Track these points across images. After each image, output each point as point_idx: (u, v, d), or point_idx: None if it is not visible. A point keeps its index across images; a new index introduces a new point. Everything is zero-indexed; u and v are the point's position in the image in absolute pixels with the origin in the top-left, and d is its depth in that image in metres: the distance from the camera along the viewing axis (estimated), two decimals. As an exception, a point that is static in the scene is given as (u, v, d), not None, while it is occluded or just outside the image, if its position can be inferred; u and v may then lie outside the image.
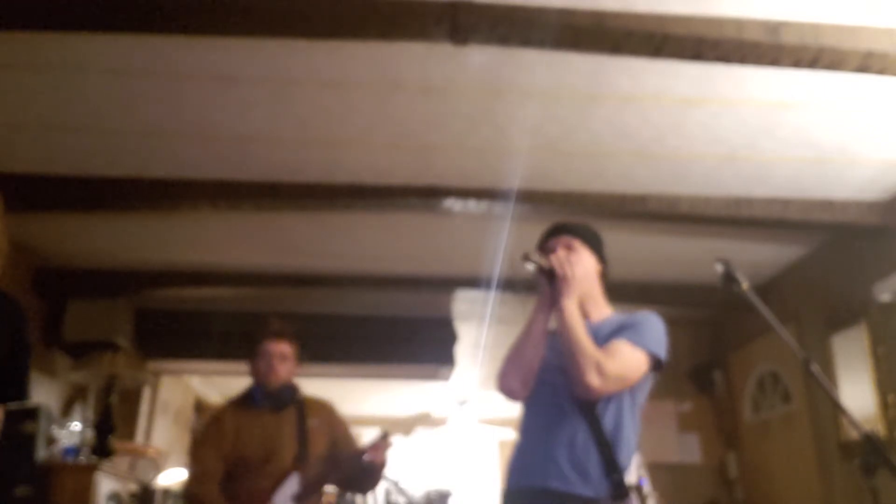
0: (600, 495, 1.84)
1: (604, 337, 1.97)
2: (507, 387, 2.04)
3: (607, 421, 1.91)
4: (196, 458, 2.82)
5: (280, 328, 2.95)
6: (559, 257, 2.03)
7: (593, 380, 1.84)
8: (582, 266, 2.05)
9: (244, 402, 2.92)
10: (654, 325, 2.01)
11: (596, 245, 2.15)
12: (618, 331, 1.98)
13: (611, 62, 2.71)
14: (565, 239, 2.12)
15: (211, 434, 2.85)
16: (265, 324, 2.99)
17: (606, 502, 1.83)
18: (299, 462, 2.76)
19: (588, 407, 1.91)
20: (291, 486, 2.71)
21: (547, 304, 2.03)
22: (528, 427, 2.05)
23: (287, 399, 2.88)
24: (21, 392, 2.04)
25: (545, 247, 2.13)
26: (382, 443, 2.78)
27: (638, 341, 1.95)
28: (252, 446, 2.77)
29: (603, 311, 2.11)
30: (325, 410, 2.98)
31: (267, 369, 2.86)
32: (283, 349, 2.90)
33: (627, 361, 1.92)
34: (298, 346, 2.98)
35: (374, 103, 3.00)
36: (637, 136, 3.22)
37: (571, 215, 3.84)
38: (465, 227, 4.10)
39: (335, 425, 2.97)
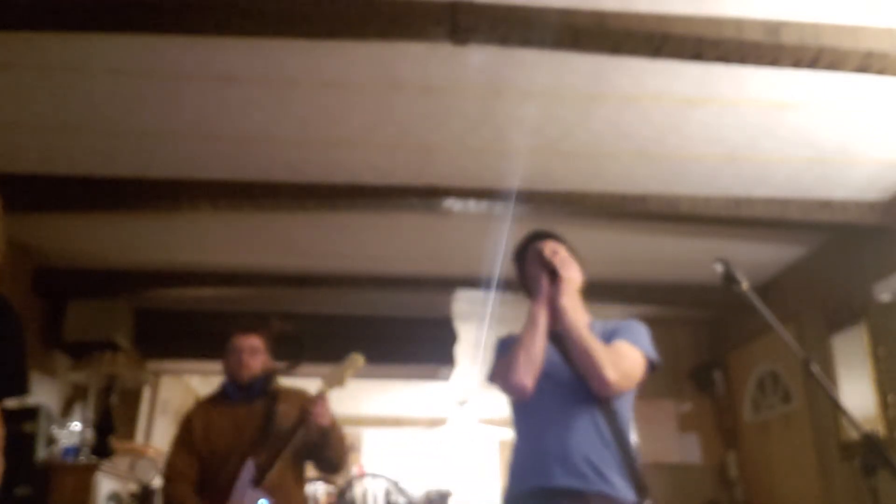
0: (620, 494, 1.85)
1: (597, 334, 2.01)
2: (520, 384, 1.95)
3: (620, 419, 1.94)
4: (169, 460, 2.87)
5: (249, 323, 3.01)
6: (560, 257, 2.07)
7: (611, 374, 1.88)
8: (575, 270, 2.10)
9: (217, 398, 2.97)
10: (644, 330, 2.08)
11: (578, 256, 2.17)
12: (611, 335, 2.03)
13: (611, 62, 2.71)
14: (551, 244, 2.14)
15: (181, 434, 2.89)
16: (235, 322, 3.04)
17: (630, 500, 1.85)
18: (257, 446, 2.75)
19: (604, 404, 1.93)
20: (248, 471, 2.71)
21: (546, 302, 2.03)
22: (532, 428, 2.02)
23: (258, 390, 2.90)
24: (13, 387, 2.01)
25: (532, 249, 2.14)
26: (318, 399, 2.75)
27: (635, 342, 2.01)
28: (221, 439, 2.80)
29: (586, 319, 2.12)
30: (297, 397, 2.95)
31: (237, 364, 2.90)
32: (252, 343, 2.93)
33: (633, 360, 1.98)
34: (271, 339, 3.01)
35: (374, 103, 3.00)
36: (637, 136, 3.22)
37: (571, 215, 3.85)
38: (465, 227, 4.10)
39: (336, 446, 2.90)
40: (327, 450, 2.82)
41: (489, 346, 6.20)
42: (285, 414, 2.84)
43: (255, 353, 2.93)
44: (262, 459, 2.72)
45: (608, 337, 2.02)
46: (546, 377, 1.98)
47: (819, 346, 4.25)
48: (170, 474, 2.83)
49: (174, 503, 2.75)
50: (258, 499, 2.68)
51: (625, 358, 1.95)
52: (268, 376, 2.96)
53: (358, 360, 2.87)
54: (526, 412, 2.04)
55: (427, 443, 9.28)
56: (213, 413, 2.90)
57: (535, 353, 1.97)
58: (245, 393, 2.90)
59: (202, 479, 2.78)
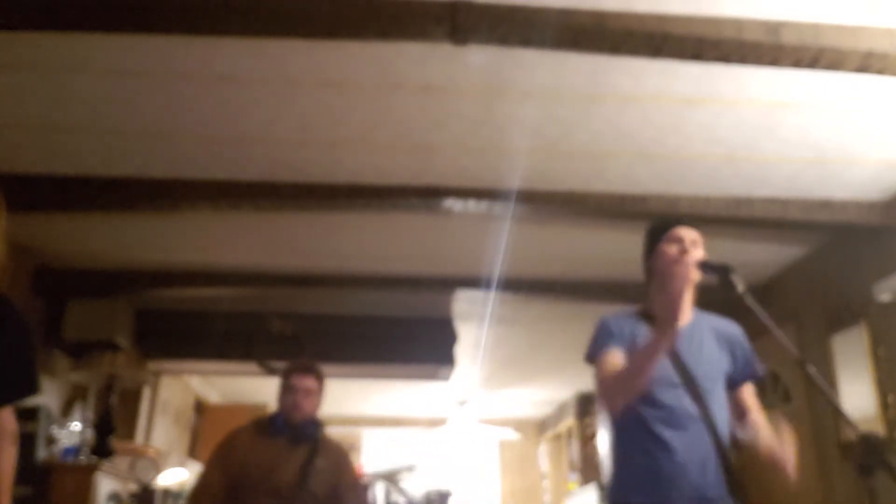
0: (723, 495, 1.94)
1: (706, 333, 2.09)
2: (616, 410, 1.99)
3: (722, 426, 2.01)
4: (202, 473, 2.92)
5: (308, 363, 3.04)
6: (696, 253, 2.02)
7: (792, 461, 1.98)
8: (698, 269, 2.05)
9: (265, 426, 2.97)
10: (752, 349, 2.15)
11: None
12: (732, 345, 2.11)
13: (611, 62, 2.70)
14: (693, 234, 2.08)
15: (220, 451, 2.92)
16: (294, 359, 3.13)
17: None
18: (286, 496, 2.76)
19: (709, 415, 1.97)
20: None
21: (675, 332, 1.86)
22: (660, 439, 1.96)
23: (306, 435, 2.92)
24: (26, 388, 2.03)
25: (671, 235, 2.08)
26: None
27: (754, 375, 2.13)
28: (255, 470, 2.81)
29: (691, 302, 2.14)
30: (336, 454, 2.99)
31: (292, 404, 2.92)
32: (308, 384, 2.96)
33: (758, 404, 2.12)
34: (324, 380, 3.05)
35: (374, 103, 3.00)
36: (637, 136, 3.22)
37: (571, 215, 3.85)
38: (465, 227, 4.10)
39: (342, 471, 2.96)
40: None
41: (489, 346, 6.22)
42: (321, 470, 2.85)
43: (309, 394, 2.95)
44: None
45: (724, 334, 2.10)
46: (669, 383, 1.99)
47: (819, 346, 4.25)
48: (198, 489, 2.86)
49: None
50: None
51: (758, 413, 2.08)
52: (318, 423, 2.99)
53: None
54: (647, 426, 1.99)
55: (427, 443, 9.28)
56: (257, 441, 2.92)
57: (643, 383, 1.90)
58: (292, 433, 2.91)
59: (225, 501, 2.81)
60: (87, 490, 3.96)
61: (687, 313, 2.09)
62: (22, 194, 3.52)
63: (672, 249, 2.06)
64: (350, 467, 3.03)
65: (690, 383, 1.98)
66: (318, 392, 3.00)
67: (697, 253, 2.04)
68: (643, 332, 2.04)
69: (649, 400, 1.96)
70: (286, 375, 2.99)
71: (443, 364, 5.74)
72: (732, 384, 2.09)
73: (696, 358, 2.02)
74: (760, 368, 2.13)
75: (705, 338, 2.08)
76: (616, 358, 2.00)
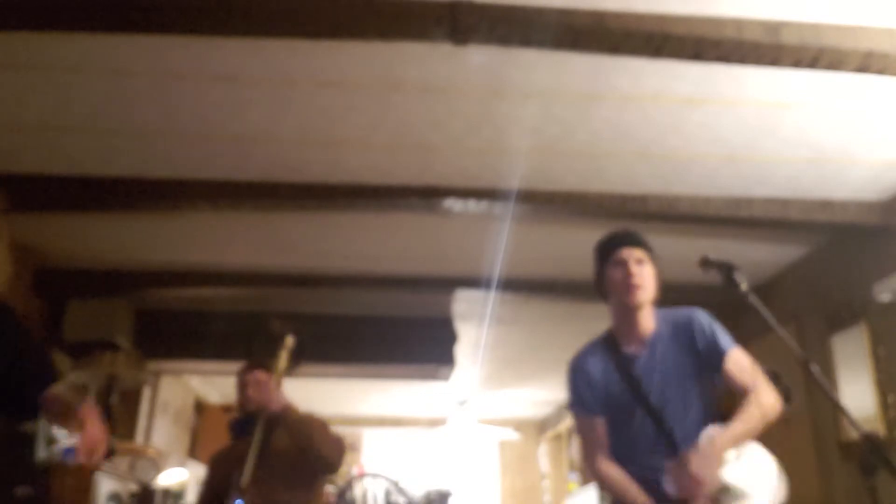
0: None
1: (666, 341, 2.07)
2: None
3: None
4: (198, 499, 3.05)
5: (256, 360, 3.10)
6: (641, 275, 2.07)
7: (772, 404, 2.15)
8: (652, 284, 2.09)
9: (231, 435, 3.08)
10: (714, 322, 2.15)
11: (653, 251, 2.15)
12: (687, 331, 2.09)
13: (611, 62, 2.71)
14: (637, 252, 2.09)
15: (209, 475, 3.06)
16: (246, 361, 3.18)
17: None
18: (254, 483, 2.74)
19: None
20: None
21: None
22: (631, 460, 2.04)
23: (256, 420, 2.89)
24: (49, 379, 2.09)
25: (614, 258, 2.09)
26: (262, 387, 2.88)
27: (731, 343, 2.13)
28: (223, 472, 2.86)
29: (651, 314, 2.12)
30: (292, 425, 2.92)
31: (244, 398, 3.01)
32: (257, 376, 3.01)
33: (749, 365, 2.14)
34: (280, 374, 3.02)
35: (374, 103, 3.00)
36: (637, 136, 3.22)
37: (571, 215, 3.85)
38: (465, 227, 4.10)
39: (304, 434, 2.88)
40: (302, 443, 2.83)
41: (489, 346, 6.22)
42: (277, 443, 2.88)
43: (259, 385, 2.99)
44: (246, 487, 2.71)
45: (683, 332, 2.07)
46: (632, 411, 2.02)
47: (819, 346, 4.25)
48: None
49: None
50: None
51: (749, 372, 2.13)
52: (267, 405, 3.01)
53: (288, 341, 2.94)
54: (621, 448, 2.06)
55: (427, 443, 9.28)
56: (225, 450, 3.05)
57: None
58: (245, 426, 2.97)
59: None
60: (87, 490, 3.96)
61: (648, 327, 2.08)
62: (22, 194, 3.52)
63: (617, 274, 2.07)
64: (310, 425, 2.93)
65: (659, 422, 2.00)
66: (268, 381, 3.01)
67: (643, 272, 2.06)
68: (613, 374, 2.05)
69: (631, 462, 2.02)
70: (238, 376, 3.06)
71: (443, 364, 5.75)
72: (711, 371, 2.09)
73: (661, 388, 2.03)
74: (726, 343, 2.10)
75: (668, 352, 2.07)
76: (597, 430, 2.05)
